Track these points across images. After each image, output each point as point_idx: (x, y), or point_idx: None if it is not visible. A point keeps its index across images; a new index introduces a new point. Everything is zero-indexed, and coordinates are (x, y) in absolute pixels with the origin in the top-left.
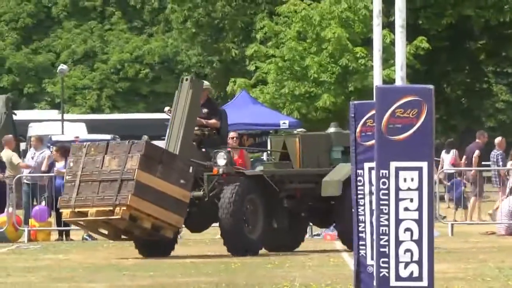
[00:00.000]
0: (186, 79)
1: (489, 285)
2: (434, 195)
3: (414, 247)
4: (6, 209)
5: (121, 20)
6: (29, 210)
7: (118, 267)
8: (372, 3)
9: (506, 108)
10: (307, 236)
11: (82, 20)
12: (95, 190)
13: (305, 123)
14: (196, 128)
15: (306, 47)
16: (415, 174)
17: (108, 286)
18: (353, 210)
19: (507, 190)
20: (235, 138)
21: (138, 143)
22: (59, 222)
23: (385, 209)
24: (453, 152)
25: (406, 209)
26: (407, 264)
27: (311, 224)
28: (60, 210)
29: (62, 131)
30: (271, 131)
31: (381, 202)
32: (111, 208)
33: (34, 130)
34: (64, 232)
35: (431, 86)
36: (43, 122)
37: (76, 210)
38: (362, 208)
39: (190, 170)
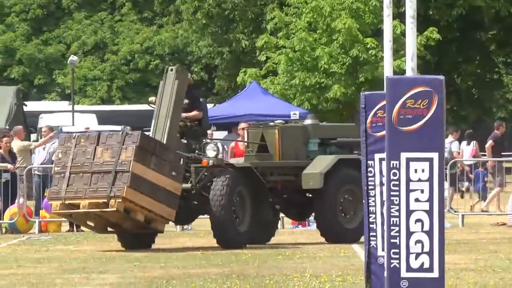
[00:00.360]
0: (171, 69)
1: (500, 276)
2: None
3: (425, 238)
4: (17, 200)
5: (132, 11)
6: (40, 201)
7: (129, 258)
8: None
9: None
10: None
11: (93, 11)
12: (86, 182)
13: (315, 114)
14: None
15: (317, 37)
16: (425, 165)
17: (119, 277)
18: (363, 201)
19: None
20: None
21: (133, 134)
22: None
23: (396, 200)
24: (473, 143)
25: (417, 200)
26: (418, 255)
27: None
28: (49, 202)
29: (73, 122)
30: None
31: (392, 193)
32: (105, 200)
33: (44, 121)
34: (75, 223)
35: (442, 77)
36: (53, 113)
37: (67, 202)
38: (373, 199)
39: (181, 162)
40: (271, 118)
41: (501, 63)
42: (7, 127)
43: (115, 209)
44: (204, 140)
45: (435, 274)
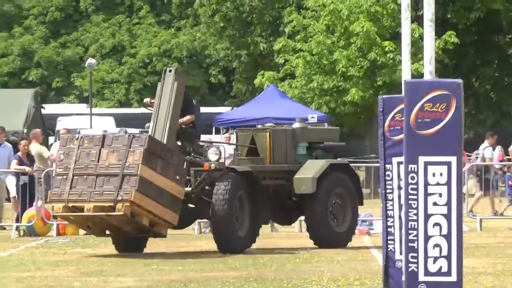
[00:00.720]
0: (170, 71)
1: None
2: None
3: (443, 242)
4: (35, 203)
5: (149, 14)
6: None
7: (146, 261)
8: None
9: None
10: None
11: (111, 14)
12: (91, 185)
13: (333, 117)
14: None
15: (335, 41)
16: (444, 168)
17: (137, 280)
18: (381, 204)
19: None
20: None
21: (140, 137)
22: None
23: (414, 204)
24: (499, 148)
25: (435, 204)
26: (436, 259)
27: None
28: (51, 204)
29: (91, 125)
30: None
31: (410, 196)
32: (111, 204)
33: (62, 124)
34: None
35: (460, 80)
36: (71, 116)
37: (70, 204)
38: (391, 203)
39: (184, 166)
40: (289, 121)
41: None
42: (25, 130)
43: (122, 213)
44: (197, 142)
45: (453, 278)
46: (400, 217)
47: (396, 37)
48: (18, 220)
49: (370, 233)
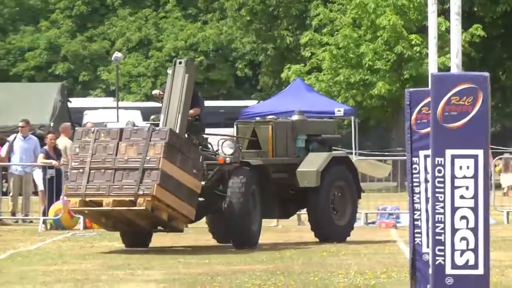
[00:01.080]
0: (180, 62)
1: None
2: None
3: (470, 235)
4: (61, 197)
5: (176, 7)
6: None
7: (173, 254)
8: None
9: None
10: (362, 224)
11: (137, 8)
12: (109, 179)
13: (360, 110)
14: None
15: (361, 34)
16: (470, 162)
17: (164, 273)
18: (408, 198)
19: None
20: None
21: (161, 130)
22: None
23: (441, 197)
24: None
25: (461, 197)
26: (462, 252)
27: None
28: (67, 198)
29: (117, 119)
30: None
31: (437, 190)
32: (132, 198)
33: (89, 118)
34: None
35: (487, 74)
36: (98, 109)
37: (87, 199)
38: (418, 196)
39: (201, 159)
40: (316, 114)
41: None
42: (52, 124)
43: (143, 207)
44: (202, 135)
45: (480, 271)
46: (427, 210)
47: (422, 30)
48: (45, 213)
49: (396, 226)
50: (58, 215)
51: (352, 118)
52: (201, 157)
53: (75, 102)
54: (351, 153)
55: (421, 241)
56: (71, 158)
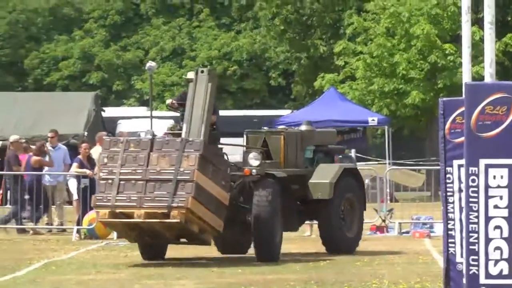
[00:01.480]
0: (202, 71)
1: None
2: None
3: (503, 245)
4: None
5: (209, 17)
6: None
7: (206, 263)
8: None
9: None
10: (395, 233)
11: (171, 18)
12: (140, 190)
13: (394, 119)
14: None
15: (395, 43)
16: (504, 171)
17: (197, 283)
18: (442, 207)
19: None
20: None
21: (194, 141)
22: None
23: (475, 207)
24: None
25: (495, 206)
26: (496, 262)
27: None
28: (95, 210)
29: (151, 128)
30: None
31: (471, 199)
32: (165, 211)
33: (122, 127)
34: None
35: None
36: (132, 119)
37: (117, 211)
38: (452, 205)
39: (228, 171)
40: (349, 124)
41: None
42: (86, 133)
43: (177, 220)
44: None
45: None
46: (460, 220)
47: (456, 39)
48: (79, 223)
49: (430, 236)
50: (92, 224)
51: (386, 127)
52: (228, 168)
53: (109, 112)
54: (385, 163)
55: (455, 250)
56: (99, 169)
